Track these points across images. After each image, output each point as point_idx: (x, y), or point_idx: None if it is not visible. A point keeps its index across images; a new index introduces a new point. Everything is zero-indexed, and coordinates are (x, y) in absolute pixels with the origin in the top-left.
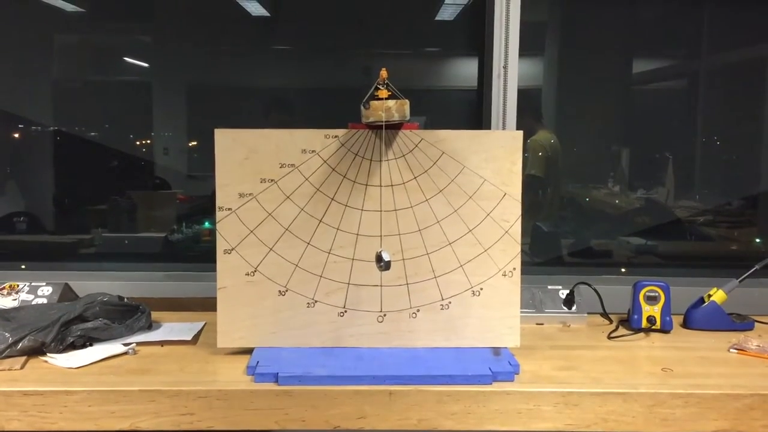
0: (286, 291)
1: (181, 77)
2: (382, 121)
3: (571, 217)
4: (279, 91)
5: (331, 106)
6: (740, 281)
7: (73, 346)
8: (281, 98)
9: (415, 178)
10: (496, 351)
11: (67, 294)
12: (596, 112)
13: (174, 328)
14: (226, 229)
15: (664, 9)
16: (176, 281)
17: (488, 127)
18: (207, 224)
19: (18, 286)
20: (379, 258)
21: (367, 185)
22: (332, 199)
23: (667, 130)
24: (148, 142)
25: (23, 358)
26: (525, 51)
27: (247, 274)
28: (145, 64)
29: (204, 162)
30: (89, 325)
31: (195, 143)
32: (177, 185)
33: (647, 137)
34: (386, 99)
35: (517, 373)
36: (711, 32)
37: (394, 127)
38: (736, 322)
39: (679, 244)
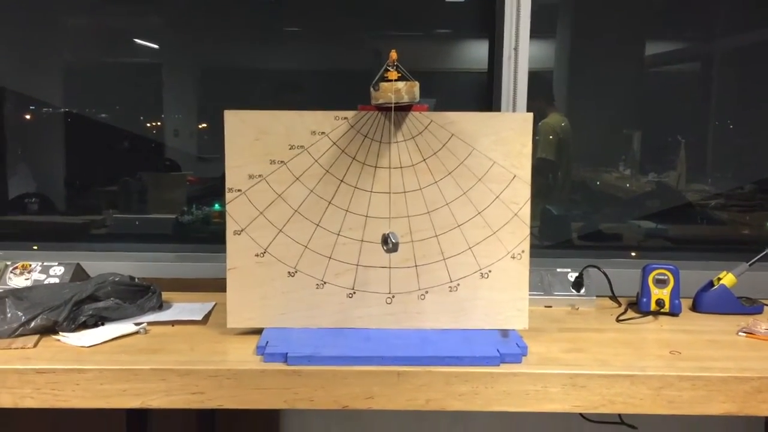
0: (296, 272)
1: (192, 59)
2: (391, 103)
3: (581, 200)
4: (289, 74)
5: (341, 88)
6: (750, 265)
7: (85, 325)
8: (291, 80)
9: (424, 160)
10: (504, 333)
11: (79, 274)
12: (608, 95)
13: (184, 308)
14: (236, 211)
15: None
16: (187, 262)
17: (498, 109)
18: (217, 206)
19: (30, 266)
20: (385, 240)
21: (376, 167)
22: (341, 180)
23: (680, 114)
24: (159, 124)
25: (36, 337)
26: (536, 33)
27: (257, 255)
28: (156, 46)
29: (214, 144)
30: (101, 304)
31: (205, 125)
32: (187, 167)
33: (659, 121)
34: (396, 80)
35: (525, 355)
36: (725, 14)
37: (404, 108)
38: (746, 305)
39: (690, 228)
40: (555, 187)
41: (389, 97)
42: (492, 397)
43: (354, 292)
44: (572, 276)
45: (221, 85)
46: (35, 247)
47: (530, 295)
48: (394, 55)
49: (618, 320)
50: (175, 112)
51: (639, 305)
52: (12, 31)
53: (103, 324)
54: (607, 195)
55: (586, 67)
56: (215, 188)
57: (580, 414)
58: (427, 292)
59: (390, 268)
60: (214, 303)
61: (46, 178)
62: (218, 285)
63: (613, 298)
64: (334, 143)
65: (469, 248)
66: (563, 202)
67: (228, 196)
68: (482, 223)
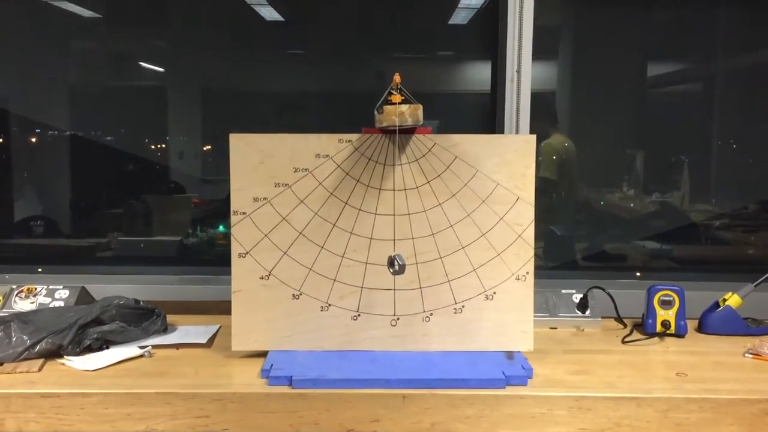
0: (300, 294)
1: (196, 82)
2: (395, 126)
3: (585, 220)
4: (293, 95)
5: (345, 110)
6: (756, 285)
7: (89, 349)
8: (295, 102)
9: (428, 182)
10: (510, 355)
11: (84, 297)
12: (611, 115)
13: (189, 331)
14: (241, 233)
15: (679, 11)
16: (191, 285)
17: (501, 131)
18: (221, 228)
19: (36, 289)
20: (391, 262)
21: (380, 189)
22: (346, 203)
23: (683, 133)
24: (163, 146)
25: (41, 361)
26: (538, 54)
27: (262, 278)
28: (161, 69)
29: (218, 165)
30: (106, 328)
31: (209, 147)
32: (192, 189)
33: (662, 140)
34: (399, 104)
35: (531, 377)
36: (727, 34)
37: (408, 131)
38: (752, 326)
39: (695, 248)
40: (558, 208)
41: (393, 120)
42: (498, 419)
43: (359, 315)
44: (577, 297)
45: (225, 107)
46: (40, 270)
47: (535, 316)
48: (397, 78)
49: (623, 342)
50: (179, 135)
51: (644, 326)
52: (18, 54)
53: (107, 347)
54: (611, 215)
55: (589, 87)
56: (220, 210)
57: None
58: (432, 314)
59: (395, 290)
60: (218, 326)
61: (51, 201)
62: (223, 308)
63: (619, 319)
64: (339, 166)
65: (474, 270)
66: (567, 223)
67: (233, 218)
68: (486, 245)
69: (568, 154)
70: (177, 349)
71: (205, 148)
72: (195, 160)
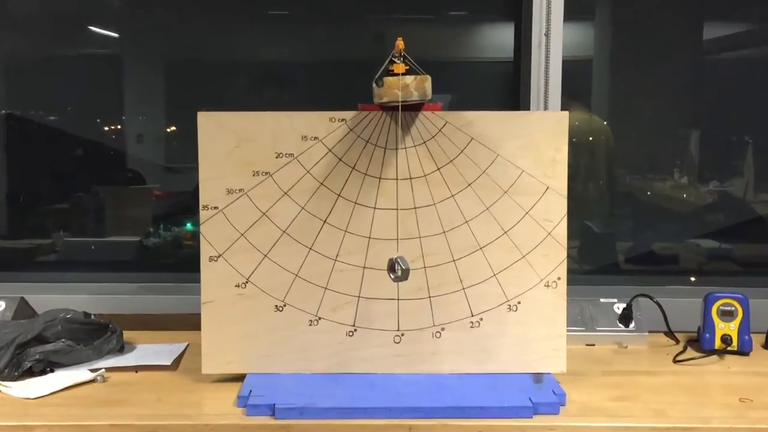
0: (284, 306)
1: (158, 50)
2: (398, 102)
3: (628, 214)
4: (275, 66)
5: (338, 83)
6: None
7: (30, 373)
8: (278, 74)
9: (438, 169)
10: (538, 377)
11: (23, 310)
12: (659, 87)
13: (150, 350)
14: (212, 232)
15: None
16: (153, 294)
17: (527, 107)
18: (189, 226)
19: None
20: (392, 266)
21: (380, 178)
22: (339, 195)
23: (747, 109)
24: (119, 127)
25: None
26: (571, 14)
27: (238, 286)
28: (115, 35)
29: (185, 151)
30: (50, 347)
31: (174, 129)
32: (153, 179)
33: (722, 118)
34: (403, 75)
35: (563, 404)
36: None
37: (413, 108)
38: None
39: (761, 248)
40: (592, 199)
41: (395, 94)
42: None
43: (355, 330)
44: (619, 307)
45: (194, 80)
46: None
47: (568, 331)
48: (400, 44)
49: (675, 361)
50: (138, 114)
51: (700, 342)
52: None
53: (52, 371)
54: (660, 208)
55: (632, 54)
56: (187, 204)
57: None
58: (443, 329)
59: (398, 300)
60: (186, 344)
61: None
62: (191, 322)
63: (669, 333)
64: (330, 150)
65: (494, 275)
66: (606, 218)
67: (203, 214)
68: (509, 245)
69: (595, 133)
70: (136, 372)
71: (169, 130)
72: (157, 145)
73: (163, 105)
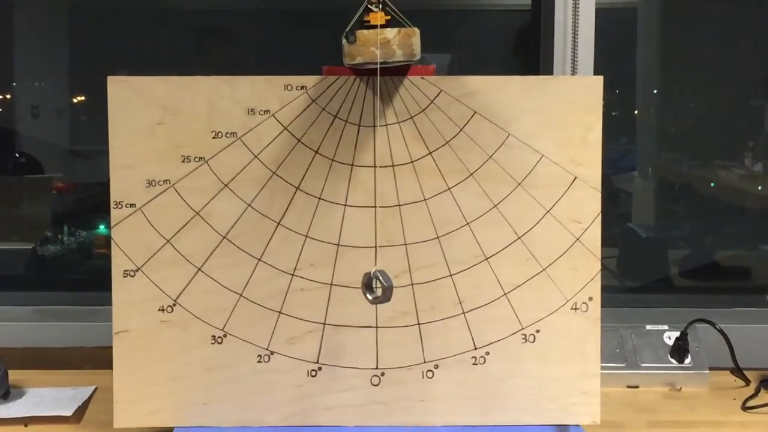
0: (225, 336)
1: None
2: (376, 63)
3: (685, 213)
4: (213, 15)
5: (296, 38)
6: None
7: None
8: (217, 27)
9: (430, 153)
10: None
11: None
12: (727, 43)
13: (45, 396)
14: (127, 238)
15: None
16: (50, 321)
17: (549, 70)
18: (103, 228)
19: None
20: (369, 284)
21: (353, 165)
22: (297, 188)
23: None
24: (7, 97)
25: None
26: None
27: (162, 310)
28: None
29: (98, 130)
30: None
31: (82, 99)
32: (53, 166)
33: None
34: (383, 27)
35: None
36: None
37: (396, 71)
38: None
39: None
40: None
41: (372, 53)
42: None
43: (319, 368)
44: (671, 337)
45: (108, 35)
46: None
47: (604, 368)
48: None
49: (745, 408)
50: (33, 79)
51: None
52: None
53: None
54: (726, 204)
55: (688, 3)
56: (99, 200)
57: None
58: (437, 367)
59: (377, 328)
60: (93, 387)
61: None
62: (100, 358)
63: (737, 371)
64: (285, 128)
65: (504, 295)
66: (655, 217)
67: (114, 214)
68: (524, 254)
69: None
70: (25, 426)
71: (75, 101)
72: (59, 121)
73: (66, 67)
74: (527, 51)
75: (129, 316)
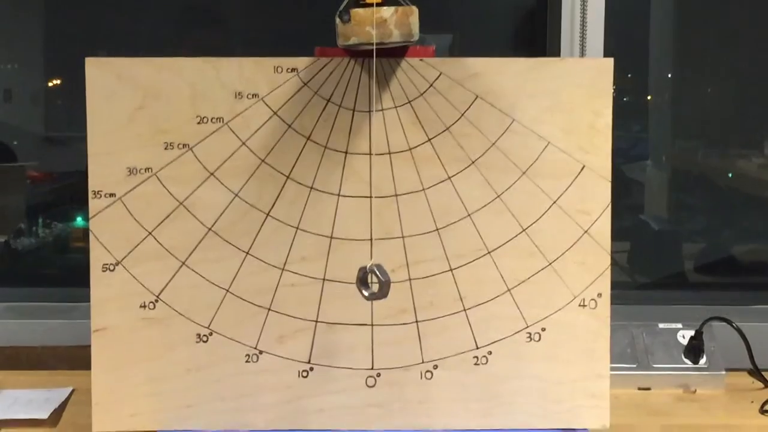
0: (210, 334)
1: None
2: (372, 44)
3: (700, 205)
4: None
5: (286, 17)
6: None
7: None
8: (202, 5)
9: (429, 140)
10: None
11: None
12: (743, 28)
13: (19, 398)
14: (107, 230)
15: None
16: (25, 318)
17: (556, 51)
18: (80, 221)
19: None
20: (364, 279)
21: (347, 153)
22: (288, 177)
23: None
24: None
25: None
26: None
27: (144, 307)
28: None
29: (75, 115)
30: None
31: (58, 82)
32: (27, 154)
33: None
34: (378, 5)
35: None
36: None
37: (393, 53)
38: None
39: None
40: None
41: (368, 33)
42: None
43: (311, 369)
44: (685, 336)
45: (86, 14)
46: None
47: (614, 369)
48: None
49: (763, 411)
50: (5, 61)
51: None
52: None
53: None
54: (744, 196)
55: None
56: (77, 189)
57: None
58: (436, 367)
59: (373, 326)
60: (70, 389)
61: None
62: (78, 358)
63: (755, 372)
64: (275, 113)
65: (508, 290)
66: (668, 209)
67: (92, 204)
68: (529, 248)
69: None
70: None
71: (51, 84)
72: (33, 105)
73: (41, 47)
74: (533, 31)
75: (108, 313)
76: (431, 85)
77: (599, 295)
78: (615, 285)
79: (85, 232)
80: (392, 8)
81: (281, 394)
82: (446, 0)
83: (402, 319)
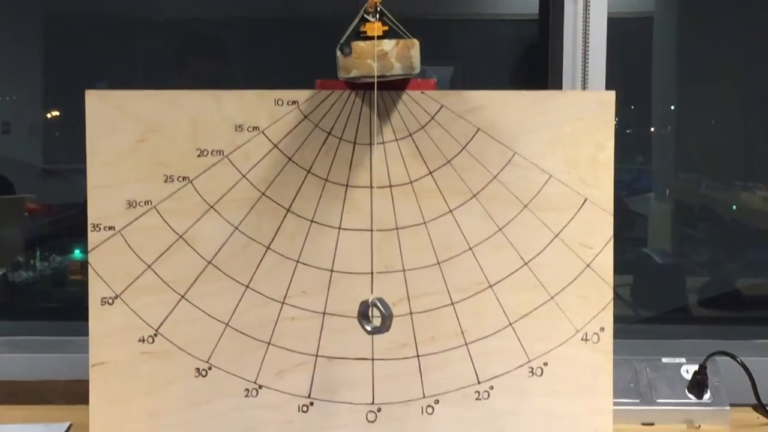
0: (210, 369)
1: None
2: (373, 77)
3: (704, 238)
4: (199, 24)
5: (287, 50)
6: None
7: None
8: (203, 37)
9: (430, 173)
10: None
11: None
12: (746, 59)
13: None
14: (106, 263)
15: None
16: (21, 352)
17: (558, 85)
18: (78, 253)
19: None
20: (365, 313)
21: (347, 186)
22: (288, 210)
23: None
24: None
25: None
26: None
27: (143, 341)
28: None
29: (74, 147)
30: None
31: (57, 114)
32: (25, 186)
33: None
34: (380, 38)
35: None
36: None
37: (394, 86)
38: None
39: None
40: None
41: (369, 66)
42: None
43: (311, 403)
44: (689, 370)
45: (85, 45)
46: None
47: (617, 404)
48: None
49: None
50: (4, 93)
51: None
52: None
53: None
54: (749, 229)
55: (711, 7)
56: (75, 223)
57: None
58: (437, 402)
59: (373, 360)
60: (68, 424)
61: None
62: (75, 392)
63: (760, 407)
64: (275, 146)
65: (510, 325)
66: (671, 242)
67: (92, 237)
68: (531, 281)
69: None
70: None
71: (49, 116)
72: (31, 137)
73: (40, 79)
74: (535, 63)
75: (107, 347)
76: (432, 118)
77: (602, 329)
78: (618, 319)
79: (84, 265)
80: (393, 41)
81: (281, 429)
82: (447, 32)
83: (403, 354)
